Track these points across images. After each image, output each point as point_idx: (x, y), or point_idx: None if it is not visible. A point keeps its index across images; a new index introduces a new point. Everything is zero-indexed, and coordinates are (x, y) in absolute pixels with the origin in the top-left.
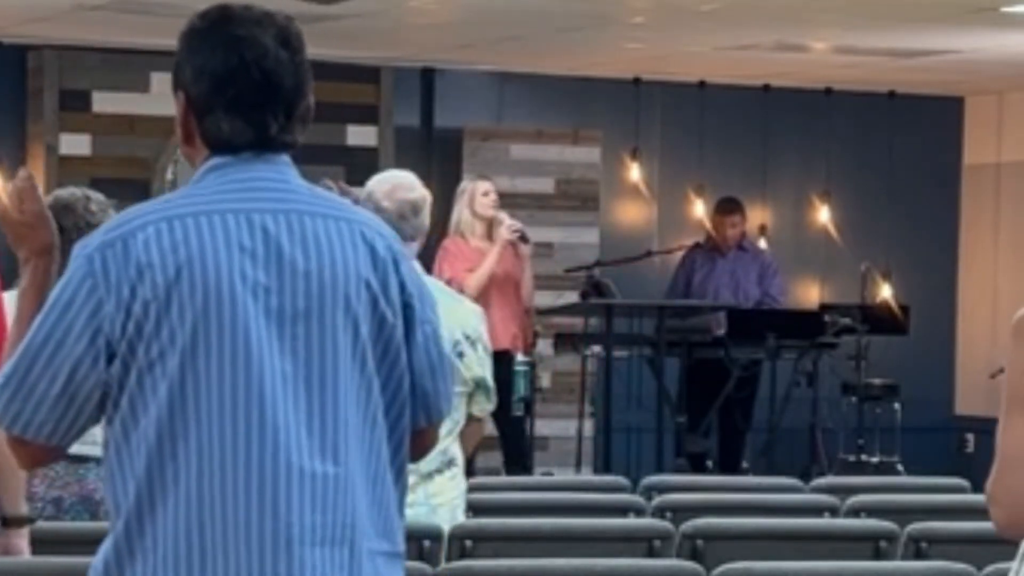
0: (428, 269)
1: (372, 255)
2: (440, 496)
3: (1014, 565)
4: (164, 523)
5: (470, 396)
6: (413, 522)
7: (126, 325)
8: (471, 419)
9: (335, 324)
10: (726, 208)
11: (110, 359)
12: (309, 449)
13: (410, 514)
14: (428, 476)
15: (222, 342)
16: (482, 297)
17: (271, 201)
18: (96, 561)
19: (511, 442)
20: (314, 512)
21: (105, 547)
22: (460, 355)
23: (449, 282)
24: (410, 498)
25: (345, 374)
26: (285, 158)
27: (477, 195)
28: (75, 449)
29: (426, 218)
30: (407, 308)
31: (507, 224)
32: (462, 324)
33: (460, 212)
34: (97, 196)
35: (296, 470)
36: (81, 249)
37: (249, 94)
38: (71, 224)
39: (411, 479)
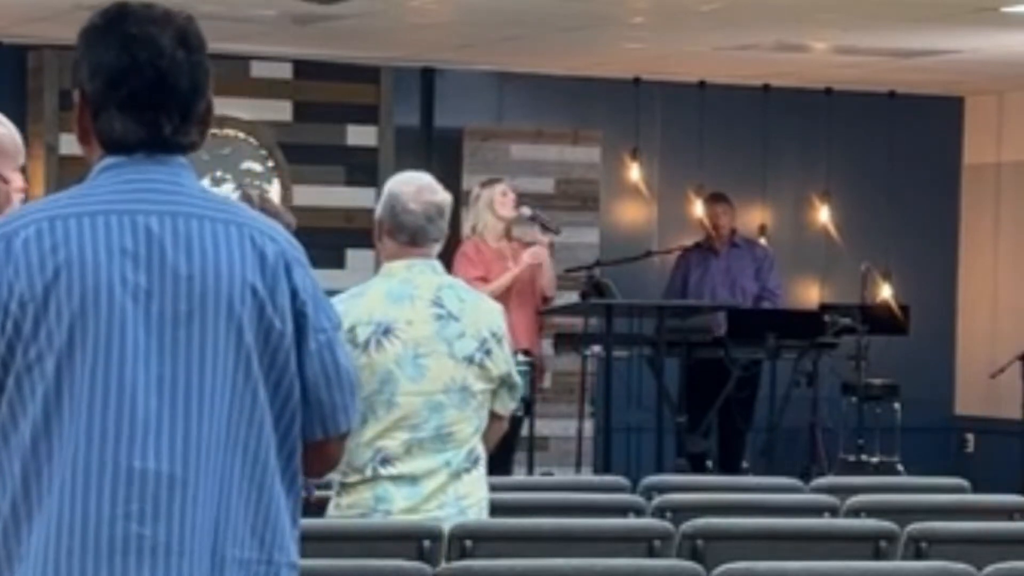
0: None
1: (261, 260)
2: (470, 497)
3: None
4: (38, 529)
5: (494, 393)
6: (413, 522)
7: (4, 325)
8: (493, 416)
9: (216, 329)
10: (713, 199)
11: None
12: (170, 456)
13: (440, 515)
14: (457, 475)
15: (97, 345)
16: (502, 299)
17: (158, 203)
18: None
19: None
20: (156, 520)
21: None
22: (488, 352)
23: (476, 279)
24: (440, 499)
25: (223, 380)
26: (180, 159)
27: (496, 197)
28: None
29: (447, 220)
30: (299, 316)
31: (531, 251)
32: (488, 322)
33: (479, 216)
34: None
35: (151, 476)
36: None
37: (142, 93)
38: None
39: (441, 478)
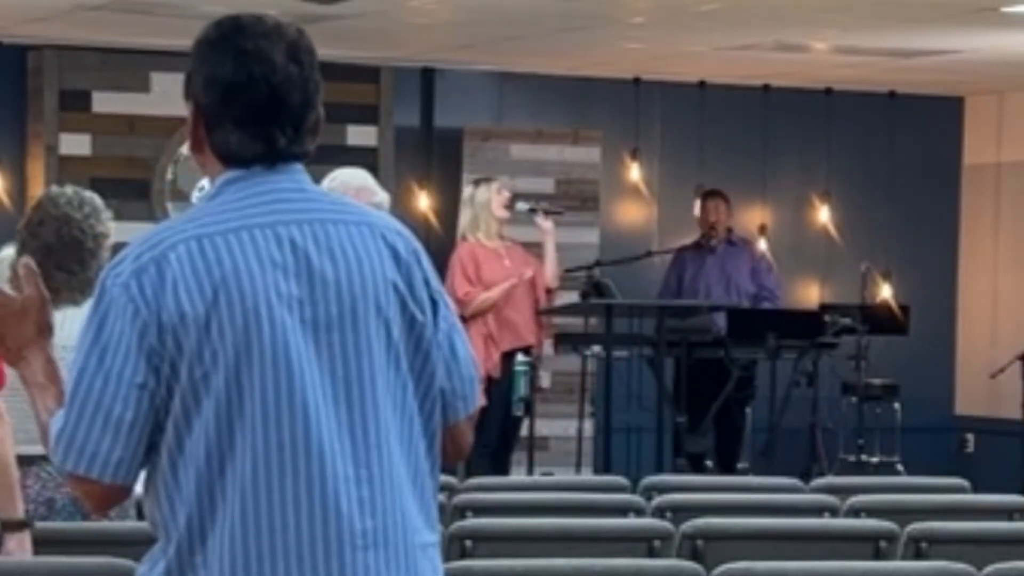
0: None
1: (395, 256)
2: None
3: None
4: (217, 540)
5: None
6: None
7: (169, 347)
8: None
9: (368, 329)
10: (708, 195)
11: (159, 381)
12: (353, 456)
13: None
14: None
15: (263, 359)
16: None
17: (294, 212)
18: None
19: (503, 441)
20: (363, 517)
21: (156, 570)
22: None
23: (459, 301)
24: None
25: (382, 378)
26: (298, 166)
27: (493, 196)
28: None
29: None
30: (433, 304)
31: (523, 275)
32: None
33: (476, 216)
34: (89, 196)
35: (342, 478)
36: (114, 278)
37: (257, 109)
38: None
39: None
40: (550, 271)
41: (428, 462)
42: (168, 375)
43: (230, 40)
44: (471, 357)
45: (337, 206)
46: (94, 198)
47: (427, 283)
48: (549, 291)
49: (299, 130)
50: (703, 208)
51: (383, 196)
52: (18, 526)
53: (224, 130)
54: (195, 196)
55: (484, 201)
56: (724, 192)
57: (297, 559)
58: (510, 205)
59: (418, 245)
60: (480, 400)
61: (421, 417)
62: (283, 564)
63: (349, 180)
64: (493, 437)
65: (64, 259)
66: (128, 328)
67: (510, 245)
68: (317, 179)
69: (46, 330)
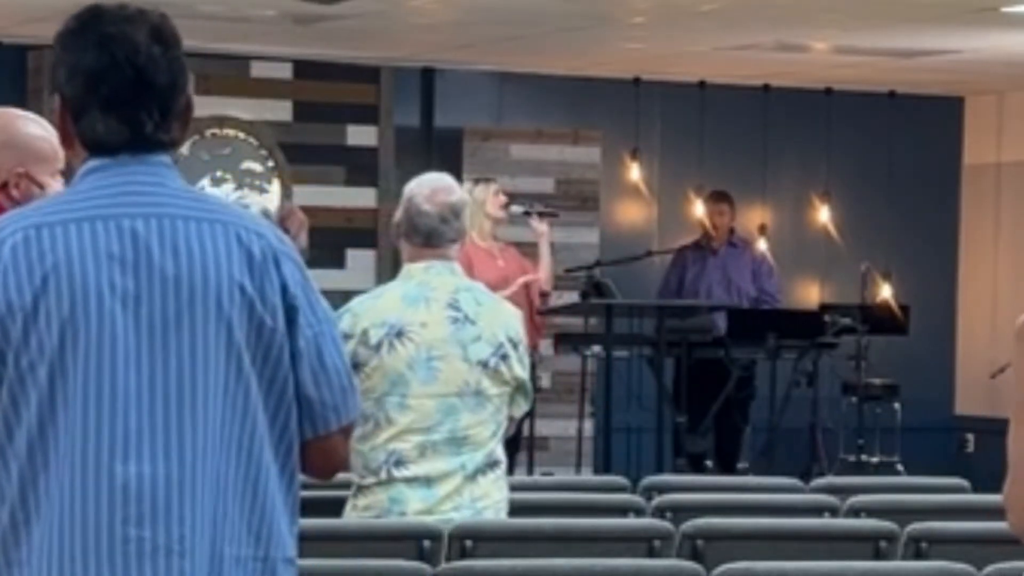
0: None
1: (249, 258)
2: (486, 499)
3: None
4: (39, 536)
5: (511, 397)
6: (413, 522)
7: None
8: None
9: (206, 330)
10: (714, 197)
11: None
12: (165, 459)
13: (456, 517)
14: (472, 477)
15: (88, 351)
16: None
17: (143, 205)
18: None
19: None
20: (155, 523)
21: None
22: (504, 357)
23: None
24: (455, 500)
25: (214, 380)
26: (164, 158)
27: (489, 197)
28: None
29: (466, 220)
30: (290, 310)
31: (524, 279)
32: (505, 327)
33: (471, 215)
34: None
35: (141, 478)
36: None
37: (122, 92)
38: None
39: (456, 481)
40: (544, 274)
41: (279, 477)
42: None
43: (91, 27)
44: (344, 367)
45: (194, 202)
46: None
47: (284, 288)
48: (544, 294)
49: (166, 114)
50: (708, 210)
51: (460, 195)
52: None
53: (90, 118)
54: None
55: (480, 201)
56: (729, 194)
57: (108, 560)
58: (506, 207)
59: (286, 250)
60: None
61: (274, 427)
62: (92, 565)
63: (426, 180)
64: None
65: None
66: None
67: (503, 246)
68: (317, 178)
69: None
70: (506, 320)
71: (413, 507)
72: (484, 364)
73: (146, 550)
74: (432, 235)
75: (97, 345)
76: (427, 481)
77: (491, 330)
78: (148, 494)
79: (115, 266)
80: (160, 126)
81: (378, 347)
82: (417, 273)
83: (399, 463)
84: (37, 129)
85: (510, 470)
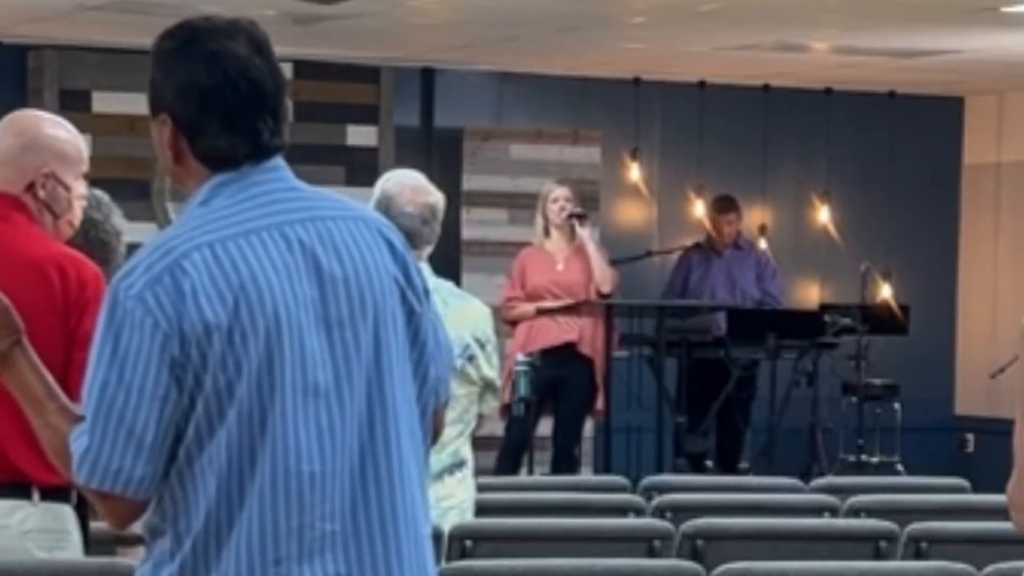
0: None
1: (392, 250)
2: (450, 499)
3: None
4: (234, 544)
5: (480, 396)
6: None
7: (193, 357)
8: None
9: (378, 324)
10: (722, 206)
11: (181, 392)
12: (373, 453)
13: None
14: (438, 477)
15: (283, 363)
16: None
17: (293, 211)
18: None
19: (514, 442)
20: (355, 515)
21: (165, 572)
22: (471, 358)
23: (509, 300)
24: None
25: (392, 373)
26: (281, 163)
27: (548, 202)
28: None
29: (440, 222)
30: (426, 293)
31: (535, 306)
32: (471, 326)
33: (536, 218)
34: (99, 194)
35: (364, 474)
36: (126, 290)
37: (240, 107)
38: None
39: None
40: (597, 275)
41: (425, 455)
42: (191, 386)
43: (193, 45)
44: (449, 345)
45: (331, 202)
46: (103, 195)
47: (420, 272)
48: (601, 295)
49: (277, 120)
50: (715, 219)
51: (437, 196)
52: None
53: (209, 135)
54: None
55: (540, 204)
56: (736, 201)
57: (309, 558)
58: (561, 210)
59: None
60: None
61: (419, 407)
62: (295, 566)
63: (404, 179)
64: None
65: (93, 261)
66: (148, 341)
67: (572, 252)
68: (317, 178)
69: (18, 334)
70: (474, 320)
71: None
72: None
73: (350, 544)
74: (412, 236)
75: (291, 356)
76: None
77: (457, 332)
78: (354, 491)
79: (293, 275)
80: (274, 132)
81: None
82: None
83: None
84: (62, 131)
85: (513, 470)
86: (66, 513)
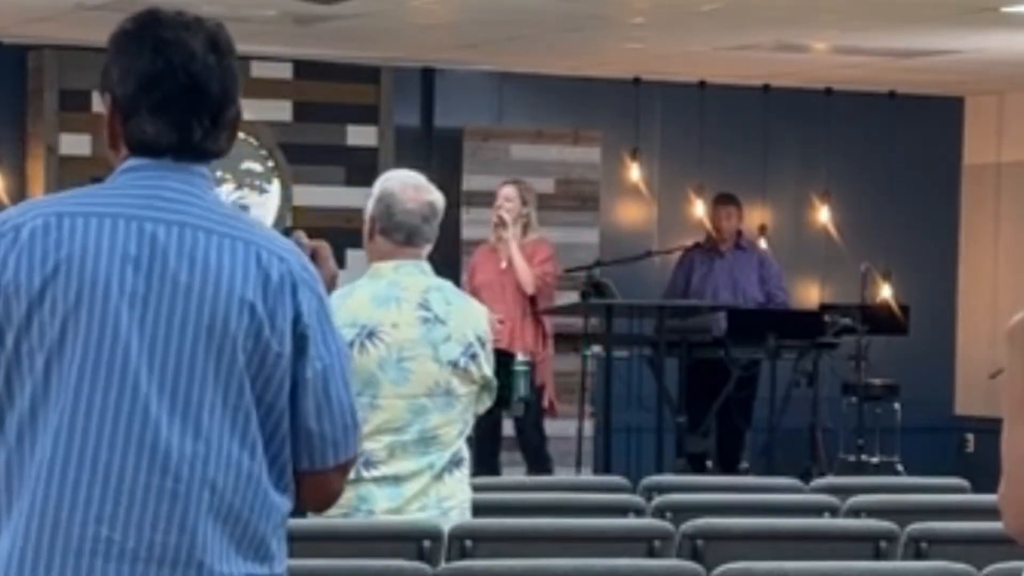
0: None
1: (265, 280)
2: (452, 499)
3: None
4: (13, 523)
5: (477, 395)
6: (413, 522)
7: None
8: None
9: (209, 344)
10: (721, 200)
11: None
12: (162, 465)
13: (422, 516)
14: (439, 477)
15: (87, 344)
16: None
17: (169, 212)
18: None
19: (529, 443)
20: (155, 530)
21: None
22: (473, 356)
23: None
24: (422, 500)
25: (212, 395)
26: (202, 169)
27: (500, 199)
28: None
29: (440, 221)
30: (300, 339)
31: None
32: (474, 326)
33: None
34: None
35: (150, 485)
36: None
37: (175, 97)
38: None
39: (424, 480)
40: (519, 277)
41: (270, 500)
42: None
43: (148, 30)
44: (349, 404)
45: (221, 217)
46: None
47: (297, 316)
48: (528, 297)
49: (216, 123)
50: (715, 213)
51: (438, 195)
52: None
53: (139, 119)
54: None
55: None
56: (736, 196)
57: (75, 558)
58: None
59: (307, 278)
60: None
61: (268, 454)
62: (57, 560)
63: (406, 178)
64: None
65: None
66: None
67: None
68: (317, 178)
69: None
70: (475, 319)
71: (381, 506)
72: (454, 364)
73: (113, 552)
74: (414, 233)
75: (98, 339)
76: (395, 480)
77: (461, 330)
78: (153, 500)
79: (128, 265)
80: (209, 134)
81: (349, 348)
82: (387, 272)
83: (369, 463)
84: None
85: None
86: None
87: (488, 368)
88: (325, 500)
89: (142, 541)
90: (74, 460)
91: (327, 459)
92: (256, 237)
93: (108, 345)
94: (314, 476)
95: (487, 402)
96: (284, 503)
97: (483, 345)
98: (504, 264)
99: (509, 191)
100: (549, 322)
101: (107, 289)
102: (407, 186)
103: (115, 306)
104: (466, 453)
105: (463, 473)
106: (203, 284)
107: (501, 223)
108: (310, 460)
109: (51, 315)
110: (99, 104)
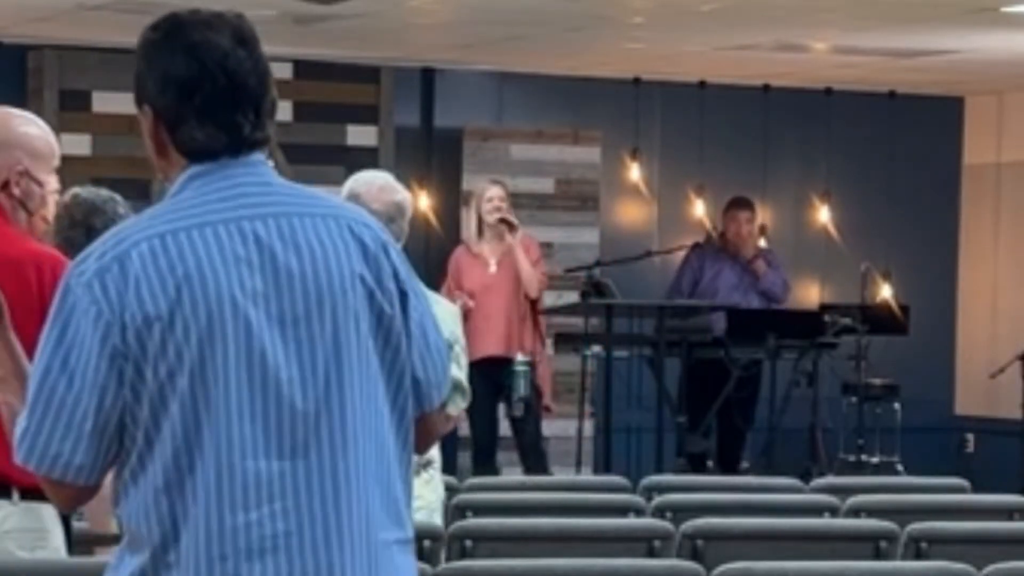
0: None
1: (362, 248)
2: (418, 500)
3: None
4: (187, 539)
5: (449, 397)
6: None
7: (132, 348)
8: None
9: (336, 324)
10: (737, 205)
11: (122, 383)
12: (328, 451)
13: None
14: None
15: (227, 355)
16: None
17: (258, 206)
18: None
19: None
20: (299, 515)
21: (126, 569)
22: None
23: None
24: None
25: (351, 372)
26: (260, 157)
27: (482, 201)
28: None
29: (408, 220)
30: (402, 296)
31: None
32: (442, 327)
33: (468, 218)
34: (116, 196)
35: (308, 475)
36: (77, 277)
37: (218, 99)
38: (101, 224)
39: None
40: (525, 279)
41: (399, 459)
42: (132, 377)
43: (175, 36)
44: (444, 346)
45: (302, 199)
46: (113, 196)
47: (395, 275)
48: (530, 300)
49: (259, 113)
50: (732, 219)
51: (404, 195)
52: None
53: (188, 127)
54: None
55: (474, 203)
56: (750, 200)
57: (259, 557)
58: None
59: (388, 237)
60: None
61: (393, 414)
62: (244, 563)
63: (372, 179)
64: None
65: None
66: (91, 329)
67: (503, 254)
68: (317, 178)
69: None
70: (444, 320)
71: None
72: None
73: (293, 544)
74: None
75: (235, 348)
76: None
77: None
78: (302, 489)
79: (243, 268)
80: (256, 126)
81: None
82: None
83: None
84: (34, 128)
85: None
86: (46, 512)
87: (457, 369)
88: (431, 442)
89: (330, 528)
90: (238, 471)
91: (433, 402)
92: (339, 210)
93: (245, 353)
94: (422, 421)
95: (460, 403)
96: (408, 465)
97: (450, 347)
98: (493, 268)
99: (499, 191)
100: (543, 322)
101: (232, 297)
102: (372, 186)
103: (243, 312)
104: (436, 454)
105: (431, 474)
106: (314, 268)
107: (508, 225)
108: (419, 406)
109: (185, 337)
110: (99, 104)
